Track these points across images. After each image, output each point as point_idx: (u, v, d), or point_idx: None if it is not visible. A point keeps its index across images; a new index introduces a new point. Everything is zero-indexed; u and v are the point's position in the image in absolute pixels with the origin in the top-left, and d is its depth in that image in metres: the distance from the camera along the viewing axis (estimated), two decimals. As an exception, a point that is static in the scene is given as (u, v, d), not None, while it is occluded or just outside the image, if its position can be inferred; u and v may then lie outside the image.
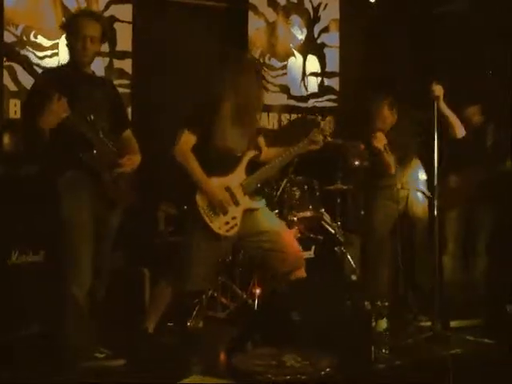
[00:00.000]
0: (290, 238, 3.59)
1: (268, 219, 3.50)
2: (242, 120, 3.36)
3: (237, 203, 3.38)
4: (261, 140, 3.55)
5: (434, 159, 3.67)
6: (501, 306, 3.95)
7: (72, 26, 3.12)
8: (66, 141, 3.01)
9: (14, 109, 4.30)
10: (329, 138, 3.53)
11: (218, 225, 3.33)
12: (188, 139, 3.31)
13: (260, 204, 3.48)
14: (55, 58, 4.40)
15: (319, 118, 3.60)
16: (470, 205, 4.27)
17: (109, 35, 3.94)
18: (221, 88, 3.37)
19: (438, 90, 3.73)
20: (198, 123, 3.34)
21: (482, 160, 4.20)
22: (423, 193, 4.07)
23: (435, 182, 3.67)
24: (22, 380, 3.04)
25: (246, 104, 3.35)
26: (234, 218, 3.37)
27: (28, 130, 3.04)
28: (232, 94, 3.33)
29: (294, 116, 5.50)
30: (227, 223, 3.35)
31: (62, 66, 3.26)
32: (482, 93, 4.55)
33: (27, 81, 4.05)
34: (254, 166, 3.48)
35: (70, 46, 3.13)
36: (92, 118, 3.07)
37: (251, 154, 3.45)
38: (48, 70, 3.28)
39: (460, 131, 3.93)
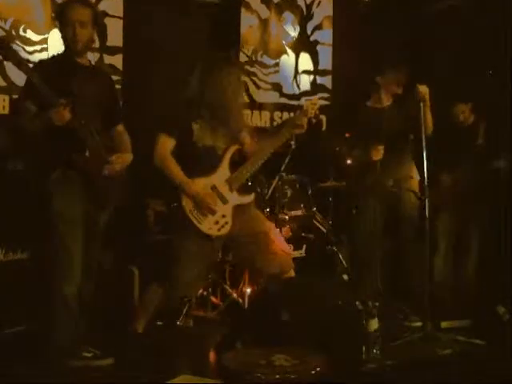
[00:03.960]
0: (279, 239, 3.56)
1: (258, 220, 3.48)
2: (222, 118, 3.31)
3: (225, 201, 3.35)
4: (244, 135, 3.49)
5: (423, 159, 3.66)
6: (491, 306, 3.95)
7: (62, 14, 3.12)
8: (58, 139, 2.98)
9: (3, 104, 4.25)
10: (313, 120, 3.48)
11: (208, 225, 3.29)
12: (165, 142, 3.27)
13: (249, 199, 3.45)
14: (44, 52, 4.35)
15: (303, 99, 3.54)
16: (461, 204, 4.27)
17: (100, 21, 3.91)
18: (196, 88, 3.32)
19: (424, 90, 3.72)
20: (175, 125, 3.30)
21: (473, 159, 4.20)
22: (414, 193, 4.06)
23: (426, 182, 3.66)
24: (8, 379, 3.00)
25: (225, 102, 3.30)
26: (223, 216, 3.33)
27: (17, 126, 3.00)
28: (209, 93, 3.28)
29: (285, 114, 5.48)
30: (217, 222, 3.31)
31: (56, 57, 3.22)
32: (474, 91, 4.56)
33: (16, 76, 4.01)
34: (240, 161, 3.44)
35: (63, 35, 3.11)
36: (85, 114, 3.04)
37: (232, 149, 3.41)
38: (40, 64, 3.22)
39: (430, 129, 3.92)
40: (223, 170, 3.37)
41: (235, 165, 3.42)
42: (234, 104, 3.36)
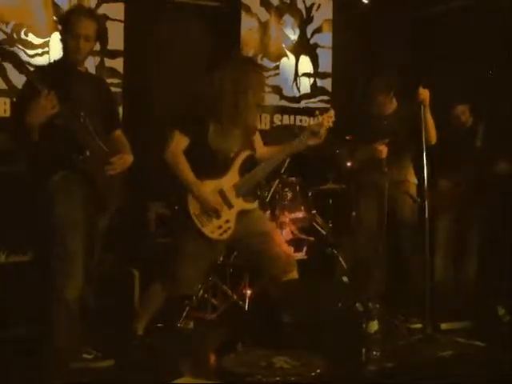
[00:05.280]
0: (281, 240, 3.56)
1: (261, 221, 3.47)
2: (235, 120, 3.29)
3: (230, 206, 3.33)
4: (257, 139, 3.50)
5: (423, 161, 3.67)
6: (491, 308, 3.95)
7: (67, 22, 3.07)
8: (58, 141, 2.98)
9: (4, 107, 4.26)
10: (327, 133, 3.47)
11: (211, 229, 3.28)
12: (180, 141, 3.25)
13: (253, 205, 3.44)
14: (46, 56, 4.37)
15: (317, 112, 3.54)
16: (460, 206, 4.28)
17: (102, 33, 3.92)
18: (214, 87, 3.32)
19: (425, 93, 3.73)
20: (190, 124, 3.28)
21: (472, 161, 4.22)
22: (410, 196, 4.07)
23: (425, 185, 3.67)
24: (9, 381, 3.01)
25: (241, 104, 3.27)
26: (227, 221, 3.32)
27: (17, 128, 3.00)
28: (226, 94, 3.27)
29: (286, 117, 5.50)
30: (220, 227, 3.30)
31: (55, 62, 3.23)
32: (473, 93, 4.57)
33: (17, 79, 4.02)
34: (249, 166, 3.43)
35: (64, 42, 3.08)
36: (84, 117, 3.04)
37: (244, 154, 3.39)
38: (40, 68, 3.25)
39: (433, 139, 3.93)
40: (232, 175, 3.35)
41: (244, 170, 3.41)
42: (252, 107, 3.33)
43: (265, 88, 3.54)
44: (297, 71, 5.55)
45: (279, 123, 5.44)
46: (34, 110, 2.85)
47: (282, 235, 4.32)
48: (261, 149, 3.50)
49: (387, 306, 3.91)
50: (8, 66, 4.14)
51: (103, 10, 4.57)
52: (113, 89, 4.50)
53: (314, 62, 5.62)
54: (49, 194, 3.03)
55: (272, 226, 3.56)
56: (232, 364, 2.83)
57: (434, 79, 4.00)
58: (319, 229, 4.72)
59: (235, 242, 3.41)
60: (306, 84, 5.58)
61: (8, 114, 4.22)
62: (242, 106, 3.28)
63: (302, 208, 4.64)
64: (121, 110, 4.54)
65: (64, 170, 3.03)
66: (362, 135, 4.18)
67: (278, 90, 5.45)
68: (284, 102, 5.48)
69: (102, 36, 3.37)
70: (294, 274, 3.46)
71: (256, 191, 4.20)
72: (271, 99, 5.39)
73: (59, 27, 3.15)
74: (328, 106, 5.58)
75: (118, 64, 4.70)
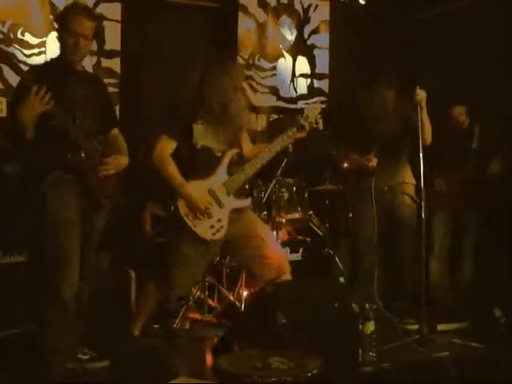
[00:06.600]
0: (274, 243, 3.56)
1: (254, 224, 3.46)
2: (221, 120, 3.29)
3: (221, 205, 3.33)
4: (244, 137, 3.49)
5: (419, 162, 3.68)
6: (488, 309, 3.96)
7: (65, 21, 3.04)
8: (53, 141, 2.97)
9: (0, 107, 4.25)
10: (314, 125, 3.48)
11: (204, 229, 3.27)
12: (166, 144, 3.26)
13: (246, 203, 3.44)
14: (42, 55, 4.36)
15: (300, 103, 3.59)
16: (456, 207, 4.29)
17: (100, 32, 3.91)
18: (198, 89, 3.31)
19: (421, 94, 3.74)
20: (177, 126, 3.29)
21: (468, 162, 4.22)
22: (410, 197, 4.07)
23: (422, 185, 3.67)
24: (4, 381, 3.00)
25: (226, 104, 3.28)
26: (219, 220, 3.32)
27: (12, 127, 2.99)
28: (210, 93, 3.28)
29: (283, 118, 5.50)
30: (212, 227, 3.29)
31: (51, 61, 3.21)
32: (469, 94, 4.58)
33: (13, 78, 4.02)
34: (239, 165, 3.43)
35: (62, 41, 3.06)
36: (79, 117, 3.03)
37: (232, 152, 3.39)
38: (35, 68, 3.23)
39: (429, 140, 3.94)
40: (221, 173, 3.36)
41: (233, 168, 3.41)
42: (235, 104, 3.34)
43: (244, 85, 3.56)
44: (294, 72, 5.54)
45: (276, 124, 5.44)
46: (24, 107, 2.84)
47: (276, 237, 4.31)
48: (248, 147, 3.50)
49: (384, 306, 3.91)
50: (4, 66, 4.14)
51: (100, 9, 4.56)
52: (110, 89, 4.49)
53: (311, 62, 5.62)
54: (43, 193, 3.02)
55: (266, 229, 3.54)
56: (228, 365, 2.82)
57: (431, 80, 4.01)
58: (316, 229, 4.72)
59: (229, 243, 3.40)
60: (302, 85, 5.58)
61: (4, 113, 4.21)
62: (228, 105, 3.28)
63: (299, 209, 4.63)
64: (117, 109, 4.54)
65: (58, 170, 3.02)
66: (358, 136, 4.18)
67: (274, 90, 5.45)
68: (281, 103, 5.48)
69: (99, 35, 3.34)
70: (287, 276, 3.45)
71: (247, 189, 4.19)
72: (268, 100, 5.39)
73: (56, 26, 3.13)
74: (325, 106, 5.58)
75: (114, 64, 4.70)
